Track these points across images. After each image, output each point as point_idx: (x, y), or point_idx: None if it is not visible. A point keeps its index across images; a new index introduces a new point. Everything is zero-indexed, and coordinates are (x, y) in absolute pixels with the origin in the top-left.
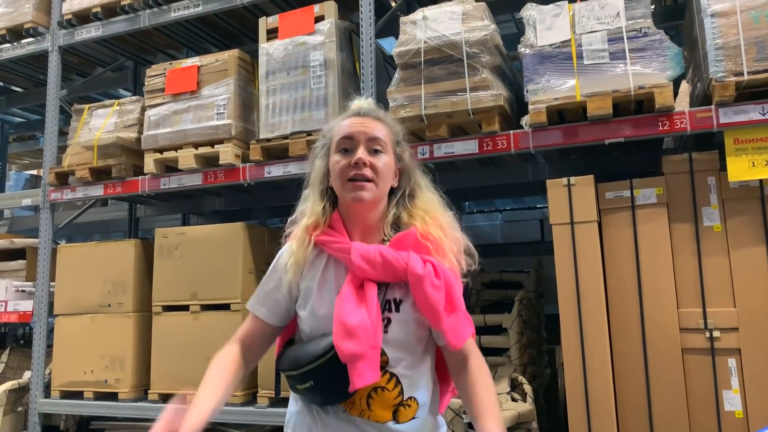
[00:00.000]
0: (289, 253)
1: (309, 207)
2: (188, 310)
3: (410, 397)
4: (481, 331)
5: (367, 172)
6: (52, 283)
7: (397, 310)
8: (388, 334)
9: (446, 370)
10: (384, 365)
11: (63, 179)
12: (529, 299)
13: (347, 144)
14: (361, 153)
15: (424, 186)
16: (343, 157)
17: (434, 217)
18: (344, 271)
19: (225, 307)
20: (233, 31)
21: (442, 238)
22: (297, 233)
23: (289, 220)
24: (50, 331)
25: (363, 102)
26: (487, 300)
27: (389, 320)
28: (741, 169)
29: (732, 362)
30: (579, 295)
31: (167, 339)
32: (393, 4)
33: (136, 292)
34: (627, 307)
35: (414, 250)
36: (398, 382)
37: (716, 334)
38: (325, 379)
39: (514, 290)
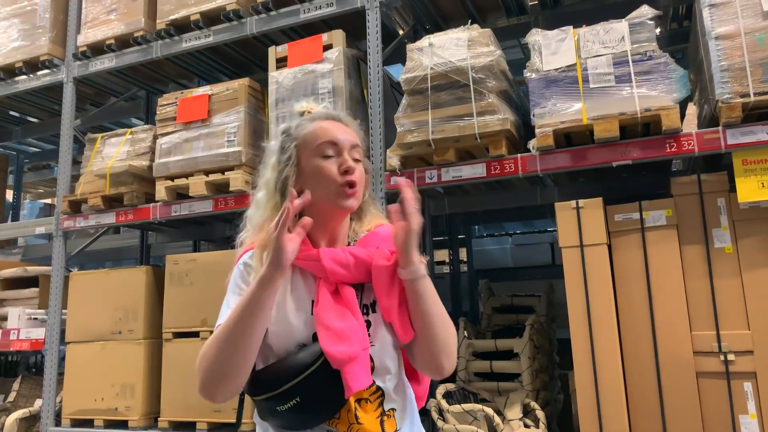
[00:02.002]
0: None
1: (269, 222)
2: (198, 336)
3: (391, 408)
4: (492, 356)
5: (355, 179)
6: (64, 311)
7: (374, 310)
8: (370, 335)
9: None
10: (371, 372)
11: (76, 207)
12: (541, 324)
13: (331, 149)
14: (349, 160)
15: (371, 198)
16: (329, 162)
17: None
18: (313, 281)
19: None
20: (243, 61)
21: None
22: (258, 247)
23: (242, 223)
24: (62, 359)
25: (319, 105)
26: (498, 325)
27: (369, 322)
28: (750, 189)
29: (748, 386)
30: (590, 318)
31: (177, 366)
32: (400, 31)
33: (147, 319)
34: (639, 331)
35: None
36: (379, 390)
37: (731, 357)
38: (312, 393)
39: (525, 315)
